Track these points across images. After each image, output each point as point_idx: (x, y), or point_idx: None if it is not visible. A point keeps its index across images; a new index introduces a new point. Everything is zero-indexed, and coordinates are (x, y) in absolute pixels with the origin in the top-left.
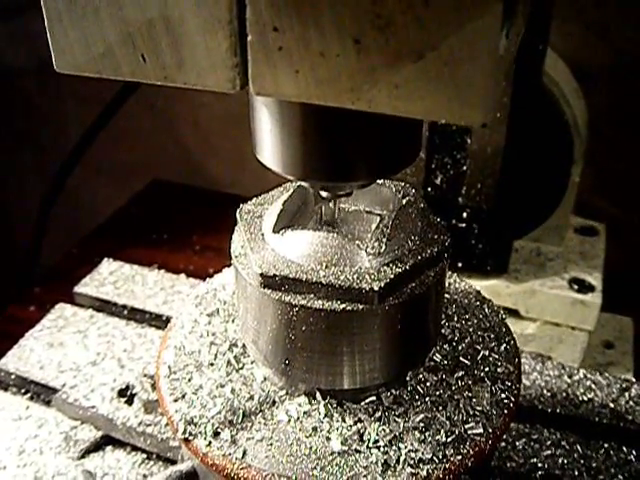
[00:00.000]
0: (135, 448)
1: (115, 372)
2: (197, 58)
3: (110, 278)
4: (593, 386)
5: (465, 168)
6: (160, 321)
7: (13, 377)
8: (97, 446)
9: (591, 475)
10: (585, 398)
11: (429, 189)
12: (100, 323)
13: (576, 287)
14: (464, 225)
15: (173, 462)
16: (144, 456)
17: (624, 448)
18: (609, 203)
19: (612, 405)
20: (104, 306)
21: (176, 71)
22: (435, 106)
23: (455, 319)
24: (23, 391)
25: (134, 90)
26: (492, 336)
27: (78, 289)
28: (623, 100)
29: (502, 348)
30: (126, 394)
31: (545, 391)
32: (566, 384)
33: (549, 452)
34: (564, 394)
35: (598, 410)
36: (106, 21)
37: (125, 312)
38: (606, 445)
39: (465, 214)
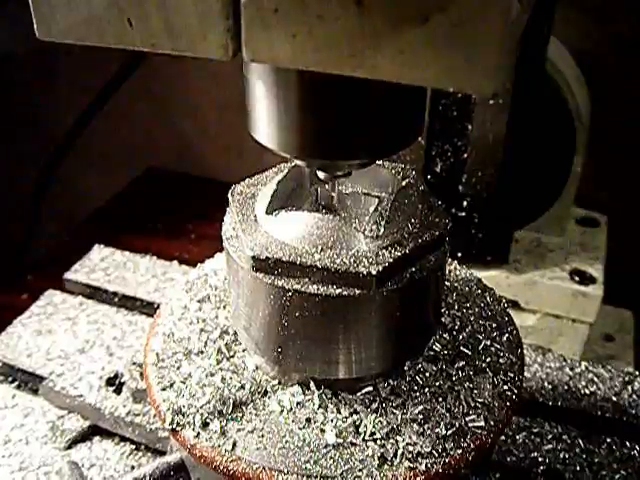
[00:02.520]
0: (123, 438)
1: (104, 360)
2: (187, 22)
3: (101, 264)
4: (595, 379)
5: (465, 156)
6: (151, 308)
7: (0, 365)
8: (84, 436)
9: (593, 471)
10: (587, 391)
11: (429, 177)
12: (90, 310)
13: (577, 279)
14: (464, 214)
15: (162, 453)
16: (132, 447)
17: (627, 443)
18: (610, 195)
19: (615, 399)
20: (94, 293)
21: (164, 37)
22: (442, 73)
23: (456, 307)
24: (10, 379)
25: (130, 74)
26: (494, 325)
27: (68, 275)
28: (622, 89)
29: (504, 338)
30: (114, 383)
31: (546, 383)
32: (568, 377)
33: (550, 446)
34: (565, 387)
35: (600, 404)
36: None
37: (116, 299)
38: (608, 440)
39: (465, 203)
